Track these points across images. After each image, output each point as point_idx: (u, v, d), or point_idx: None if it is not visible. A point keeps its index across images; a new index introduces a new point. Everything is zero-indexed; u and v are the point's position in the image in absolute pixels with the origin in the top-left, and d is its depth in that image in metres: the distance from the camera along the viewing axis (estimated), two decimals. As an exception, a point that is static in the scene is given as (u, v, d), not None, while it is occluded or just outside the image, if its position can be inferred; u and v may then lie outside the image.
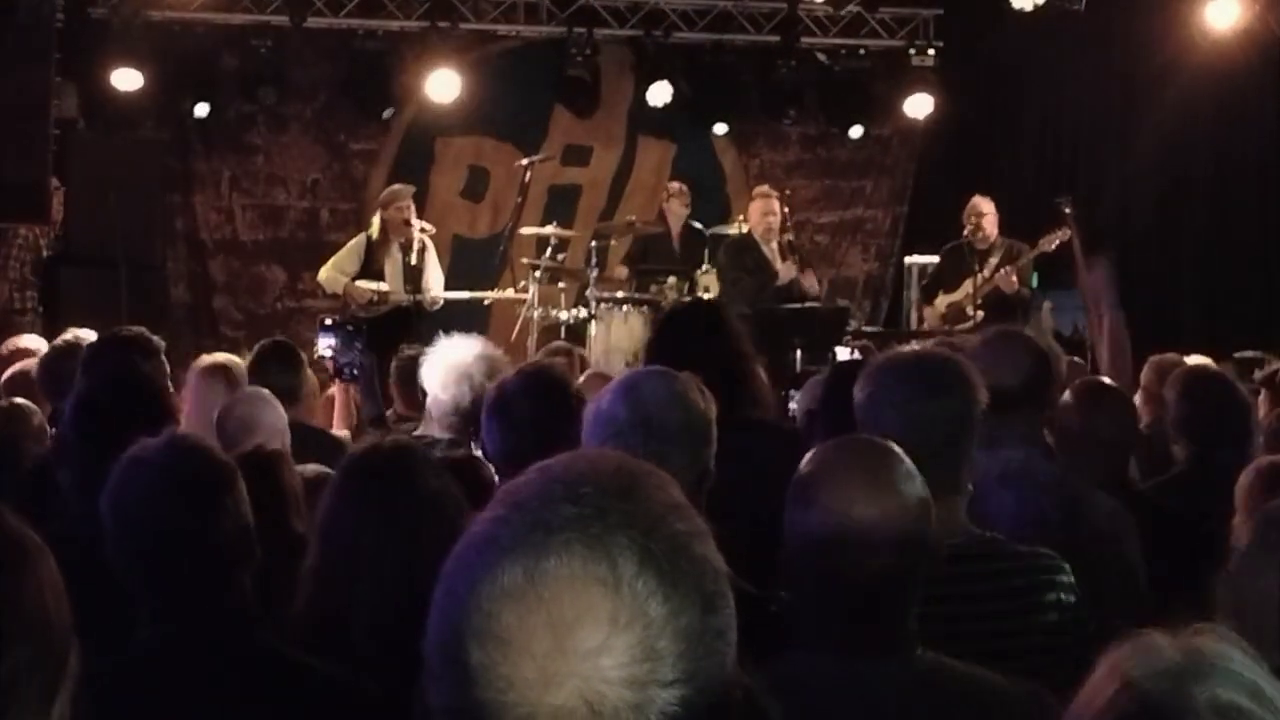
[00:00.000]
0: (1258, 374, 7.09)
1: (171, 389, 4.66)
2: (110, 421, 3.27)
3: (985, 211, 9.56)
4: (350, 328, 5.43)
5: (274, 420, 4.50)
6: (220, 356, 5.51)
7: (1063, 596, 2.76)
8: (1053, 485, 3.53)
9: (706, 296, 9.46)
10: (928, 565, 2.24)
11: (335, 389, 6.81)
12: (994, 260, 9.46)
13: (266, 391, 4.72)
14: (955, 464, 2.78)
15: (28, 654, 1.30)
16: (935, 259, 10.20)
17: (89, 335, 5.69)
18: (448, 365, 4.45)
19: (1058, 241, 9.31)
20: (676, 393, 2.80)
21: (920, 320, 10.28)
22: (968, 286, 9.50)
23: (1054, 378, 3.94)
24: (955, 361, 2.91)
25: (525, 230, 10.41)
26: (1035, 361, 3.61)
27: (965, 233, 9.55)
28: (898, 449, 2.31)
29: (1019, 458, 3.33)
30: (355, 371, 5.36)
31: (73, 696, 1.37)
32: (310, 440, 4.99)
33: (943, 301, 9.70)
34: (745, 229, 10.06)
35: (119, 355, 4.92)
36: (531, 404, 3.26)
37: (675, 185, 10.88)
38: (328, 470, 3.88)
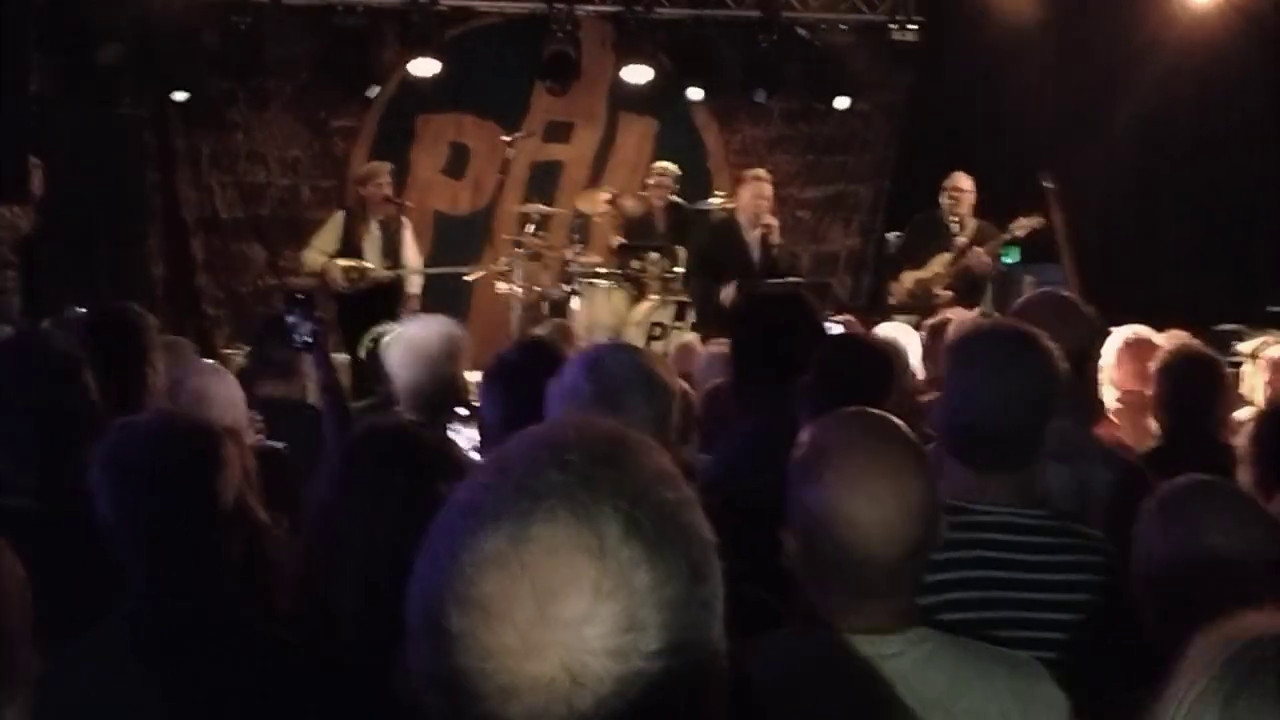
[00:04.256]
0: (1237, 345, 7.14)
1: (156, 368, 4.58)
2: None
3: (965, 188, 9.50)
4: (299, 295, 5.15)
5: (227, 393, 4.35)
6: None
7: (1105, 581, 2.76)
8: (1106, 456, 3.57)
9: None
10: (931, 542, 2.20)
11: None
12: (963, 239, 9.41)
13: (218, 364, 4.61)
14: (1040, 436, 2.79)
15: None
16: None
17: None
18: (408, 346, 4.32)
19: (1030, 228, 9.22)
20: (640, 366, 2.79)
21: (887, 294, 10.22)
22: (936, 264, 9.47)
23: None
24: (1038, 335, 2.87)
25: (507, 207, 10.39)
26: (1089, 329, 3.63)
27: (942, 205, 9.52)
28: (902, 424, 2.26)
29: (1068, 427, 3.28)
30: (295, 337, 5.03)
31: (28, 700, 1.31)
32: (305, 416, 5.02)
33: (910, 277, 9.64)
34: (731, 206, 10.00)
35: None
36: (531, 372, 3.24)
37: (658, 172, 10.52)
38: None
